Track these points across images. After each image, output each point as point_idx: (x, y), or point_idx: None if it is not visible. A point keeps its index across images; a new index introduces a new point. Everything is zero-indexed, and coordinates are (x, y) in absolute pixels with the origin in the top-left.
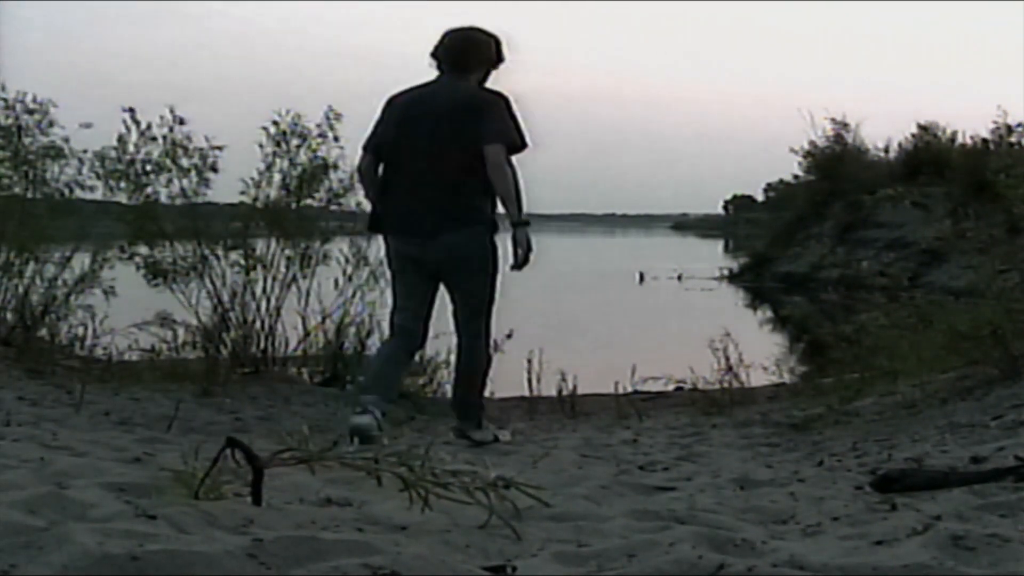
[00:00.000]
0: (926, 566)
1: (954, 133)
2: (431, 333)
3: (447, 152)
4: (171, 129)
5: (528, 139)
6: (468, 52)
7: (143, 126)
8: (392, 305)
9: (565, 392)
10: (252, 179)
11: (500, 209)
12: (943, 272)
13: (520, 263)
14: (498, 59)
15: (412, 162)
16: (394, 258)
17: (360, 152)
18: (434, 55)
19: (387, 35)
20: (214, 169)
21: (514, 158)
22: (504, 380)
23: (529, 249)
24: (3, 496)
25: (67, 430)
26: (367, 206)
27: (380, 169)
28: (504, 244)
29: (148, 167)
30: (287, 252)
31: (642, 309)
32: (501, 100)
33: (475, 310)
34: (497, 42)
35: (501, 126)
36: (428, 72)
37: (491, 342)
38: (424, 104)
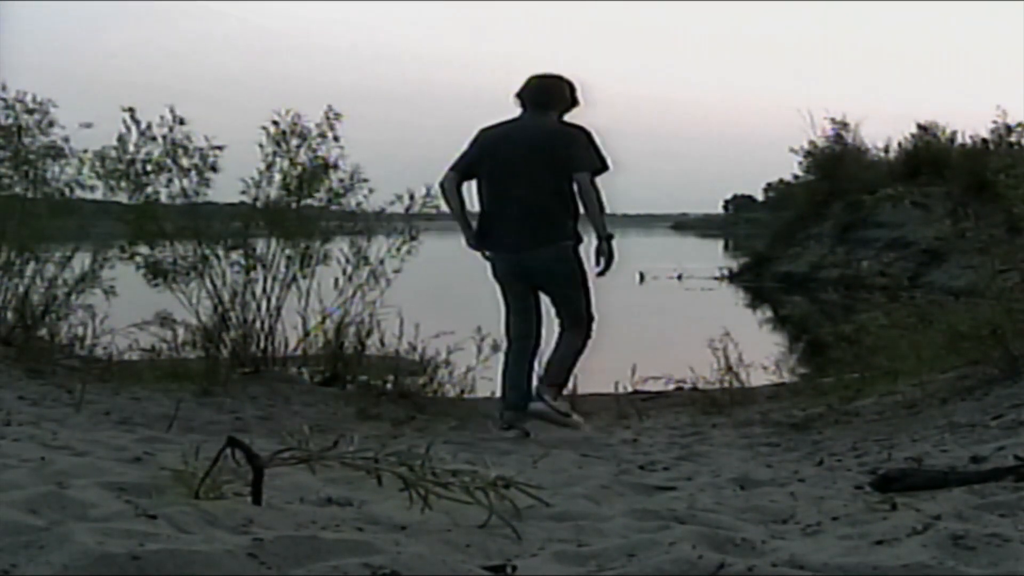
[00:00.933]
0: (926, 566)
1: (954, 133)
2: (434, 334)
3: (541, 178)
4: (171, 129)
5: (609, 162)
6: (550, 94)
7: (143, 126)
8: (505, 315)
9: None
10: (252, 179)
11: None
12: (943, 272)
13: (603, 270)
14: (573, 101)
15: (511, 188)
16: (500, 273)
17: (446, 171)
18: (519, 96)
19: (387, 35)
20: (214, 169)
21: (598, 179)
22: None
23: (611, 259)
24: (3, 496)
25: (67, 430)
26: (367, 207)
27: (467, 187)
28: (588, 253)
29: (148, 167)
30: (287, 252)
31: (642, 309)
32: (583, 132)
33: (572, 311)
34: (572, 86)
35: (587, 155)
36: (426, 74)
37: (590, 336)
38: (517, 137)
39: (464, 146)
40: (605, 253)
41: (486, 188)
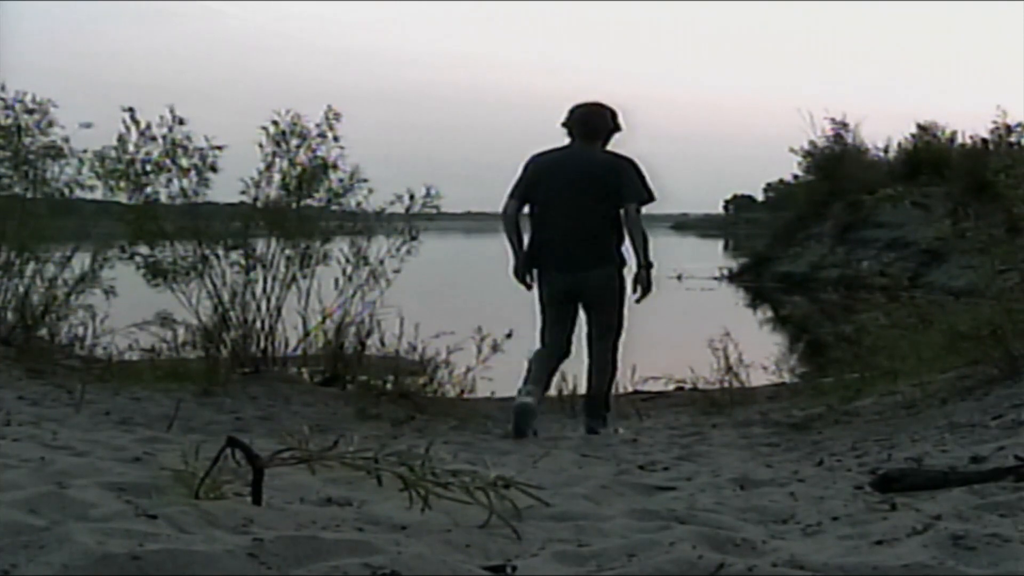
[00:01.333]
0: (926, 566)
1: (954, 133)
2: (434, 334)
3: (592, 206)
4: (171, 129)
5: (655, 192)
6: (595, 124)
7: (143, 126)
8: (543, 325)
9: (565, 392)
10: (252, 179)
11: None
12: (943, 272)
13: (641, 297)
14: (615, 128)
15: (565, 214)
16: (549, 290)
17: (507, 199)
18: (565, 125)
19: (388, 35)
20: (214, 169)
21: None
22: (504, 380)
23: (649, 287)
24: (3, 496)
25: (67, 430)
26: (367, 207)
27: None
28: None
29: (148, 167)
30: (287, 252)
31: (642, 309)
32: (632, 164)
33: (607, 330)
34: (614, 114)
35: (636, 187)
36: (426, 74)
37: (619, 356)
38: (570, 167)
39: (518, 172)
40: (644, 281)
41: (540, 213)
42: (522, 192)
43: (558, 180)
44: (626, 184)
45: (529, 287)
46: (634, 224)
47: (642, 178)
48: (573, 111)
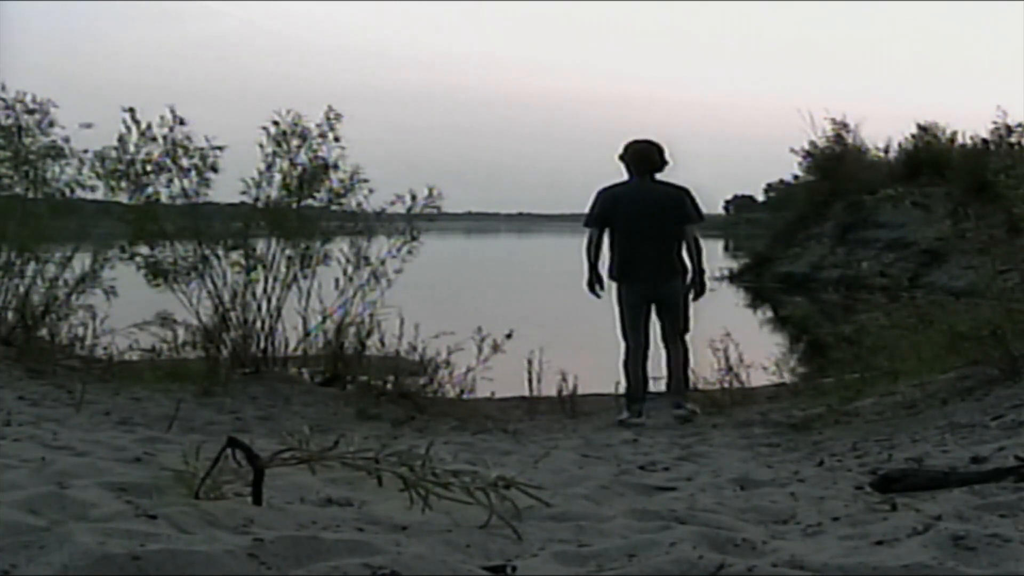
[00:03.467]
0: (926, 566)
1: (954, 133)
2: (434, 334)
3: (666, 230)
4: (171, 129)
5: (704, 213)
6: (650, 160)
7: (143, 126)
8: (624, 326)
9: (565, 392)
10: (253, 179)
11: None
12: (943, 272)
13: (696, 296)
14: (663, 162)
15: (644, 237)
16: (634, 298)
17: (591, 228)
18: (622, 159)
19: (388, 36)
20: (214, 169)
21: None
22: (504, 380)
23: (703, 289)
24: (4, 496)
25: (68, 430)
26: (368, 207)
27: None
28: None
29: (148, 167)
30: (288, 252)
31: None
32: (687, 192)
33: (675, 326)
34: (661, 150)
35: (693, 211)
36: (427, 74)
37: (689, 345)
38: (640, 199)
39: (593, 203)
40: (699, 285)
41: (621, 237)
42: (602, 220)
43: (633, 210)
44: (687, 210)
45: (599, 297)
46: (693, 240)
47: (695, 203)
48: (628, 147)
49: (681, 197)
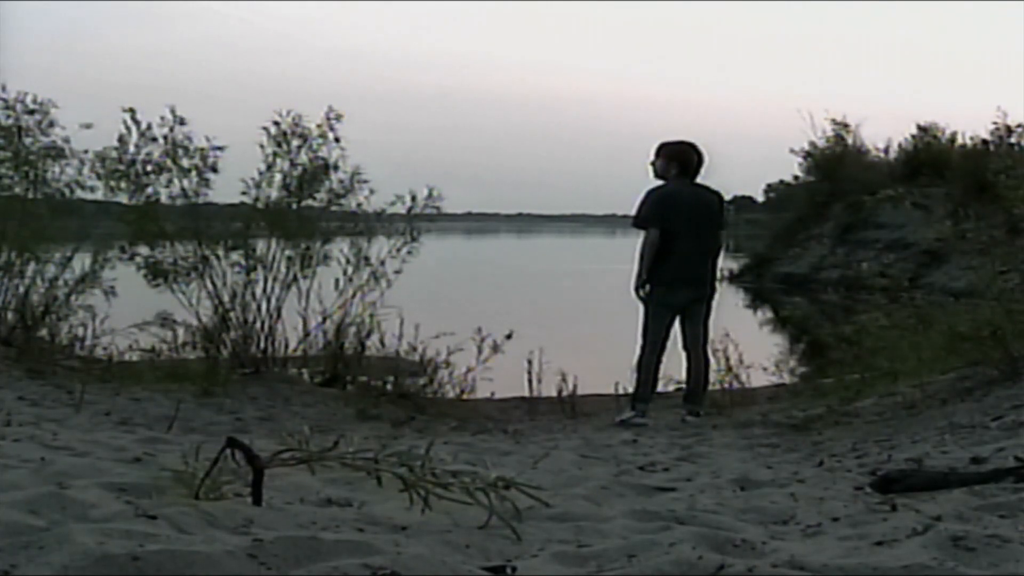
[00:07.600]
0: (926, 567)
1: (954, 134)
2: (434, 335)
3: (715, 234)
4: (171, 129)
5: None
6: (691, 161)
7: (143, 126)
8: (651, 327)
9: (565, 392)
10: (253, 179)
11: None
12: (943, 273)
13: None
14: (700, 161)
15: (694, 239)
16: (675, 300)
17: (650, 228)
18: (663, 158)
19: (389, 36)
20: (214, 169)
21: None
22: (504, 380)
23: (714, 292)
24: (4, 496)
25: (67, 430)
26: (368, 207)
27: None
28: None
29: (148, 167)
30: (288, 252)
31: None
32: (722, 197)
33: (705, 330)
34: (699, 150)
35: (725, 217)
36: (427, 75)
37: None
38: (691, 201)
39: (648, 203)
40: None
41: (674, 239)
42: (662, 221)
43: (687, 212)
44: (724, 216)
45: (647, 301)
46: (721, 246)
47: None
48: (667, 148)
49: (722, 202)
